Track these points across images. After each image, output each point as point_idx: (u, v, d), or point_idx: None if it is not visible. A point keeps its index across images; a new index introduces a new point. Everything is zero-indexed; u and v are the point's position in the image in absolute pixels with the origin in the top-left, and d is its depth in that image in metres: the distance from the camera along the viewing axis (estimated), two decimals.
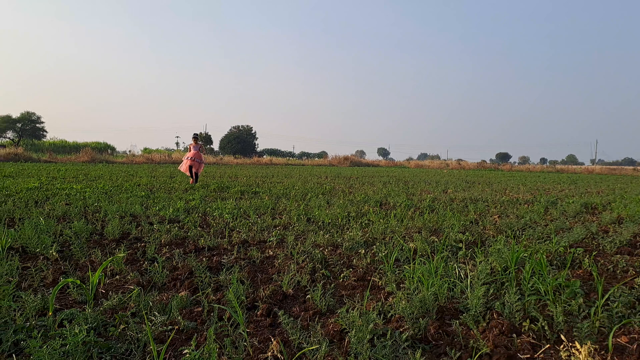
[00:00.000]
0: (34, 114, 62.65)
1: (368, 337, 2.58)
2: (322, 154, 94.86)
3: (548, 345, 2.77)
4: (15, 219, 7.01)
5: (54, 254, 4.80)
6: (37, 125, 63.38)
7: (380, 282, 4.07)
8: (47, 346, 2.37)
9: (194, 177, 15.39)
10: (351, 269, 4.53)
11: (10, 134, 60.92)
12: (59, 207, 8.13)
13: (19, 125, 61.14)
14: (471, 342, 2.79)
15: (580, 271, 4.51)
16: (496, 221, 7.80)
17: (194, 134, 15.74)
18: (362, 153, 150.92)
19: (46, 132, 64.85)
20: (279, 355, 2.66)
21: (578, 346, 2.58)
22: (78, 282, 3.43)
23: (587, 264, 4.67)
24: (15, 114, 60.99)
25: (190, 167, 15.26)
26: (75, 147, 57.37)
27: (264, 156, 76.32)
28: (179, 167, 16.06)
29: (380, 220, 7.29)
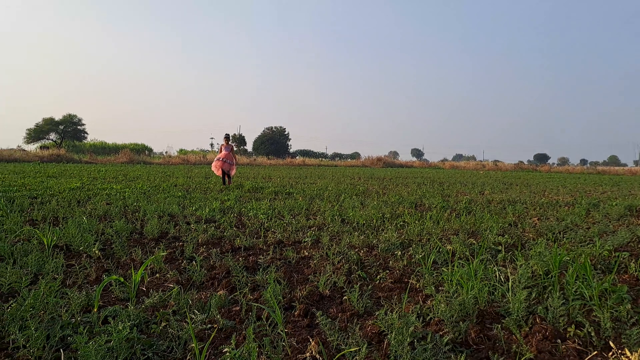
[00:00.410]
0: (75, 116, 64.59)
1: (408, 340, 2.55)
2: (355, 155, 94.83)
3: (595, 352, 2.68)
4: (59, 217, 7.24)
5: (96, 252, 4.94)
6: (78, 127, 65.31)
7: (417, 285, 4.03)
8: (92, 342, 2.43)
9: (226, 178, 15.04)
10: (387, 271, 4.50)
11: (53, 136, 62.98)
12: (100, 206, 8.37)
13: (61, 127, 63.12)
14: (514, 347, 2.73)
15: (626, 276, 4.36)
16: (536, 223, 7.62)
17: (226, 134, 15.22)
18: (395, 154, 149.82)
19: (87, 134, 66.84)
20: (317, 356, 2.65)
21: (628, 353, 2.49)
22: (122, 279, 3.52)
23: (634, 268, 4.50)
24: (57, 117, 63.09)
25: (223, 171, 14.87)
26: (115, 149, 59.04)
27: (297, 157, 76.76)
28: (212, 167, 15.46)
29: (416, 222, 7.22)
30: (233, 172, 15.33)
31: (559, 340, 2.79)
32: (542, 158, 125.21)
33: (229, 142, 15.24)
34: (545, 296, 3.58)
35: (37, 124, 61.53)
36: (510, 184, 20.99)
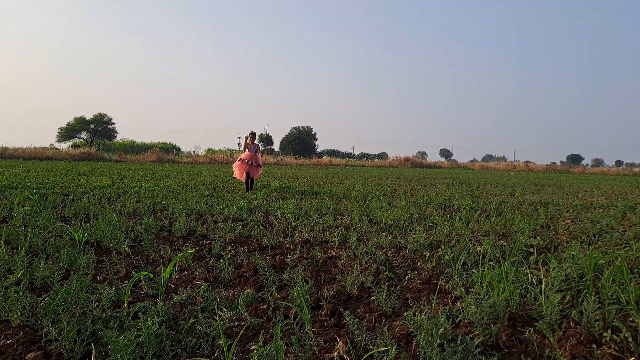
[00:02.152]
0: (105, 115, 66.07)
1: (438, 341, 2.53)
2: (382, 155, 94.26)
3: (633, 358, 2.60)
4: (90, 215, 7.41)
5: (126, 249, 5.04)
6: (108, 126, 66.80)
7: (447, 286, 3.98)
8: (122, 337, 2.47)
9: (249, 185, 12.59)
10: (416, 272, 4.46)
11: (84, 135, 64.46)
12: (129, 204, 8.53)
13: (92, 126, 64.61)
14: (547, 351, 2.67)
15: None
16: (569, 226, 7.45)
17: (252, 132, 12.98)
18: (423, 154, 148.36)
19: (117, 132, 68.30)
20: (345, 356, 2.65)
21: None
22: (151, 276, 3.58)
23: None
24: (88, 116, 64.55)
25: (248, 175, 12.56)
26: (144, 147, 59.94)
27: (324, 157, 76.70)
28: (234, 175, 13.26)
29: (445, 223, 7.14)
30: (257, 175, 13.20)
31: (594, 346, 2.72)
32: (575, 159, 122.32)
33: (255, 142, 13.06)
34: (580, 300, 3.49)
35: (69, 123, 63.11)
36: (542, 185, 20.59)
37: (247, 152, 12.72)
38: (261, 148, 12.91)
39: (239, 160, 12.72)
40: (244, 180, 12.88)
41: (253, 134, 13.00)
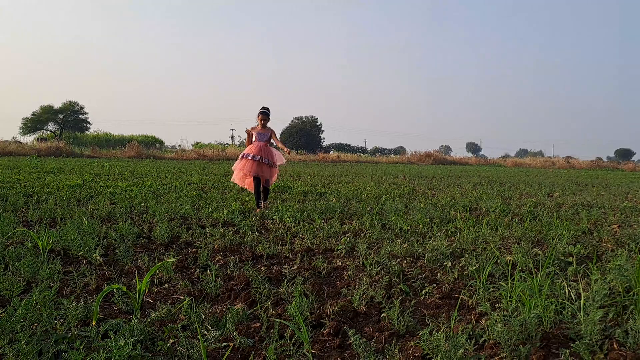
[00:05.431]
0: (76, 103, 66.34)
1: None
2: (400, 150, 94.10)
3: None
4: (56, 219, 7.45)
5: (97, 258, 5.06)
6: (80, 116, 67.08)
7: (470, 301, 3.98)
8: (90, 359, 2.48)
9: (261, 195, 9.55)
10: (435, 285, 4.46)
11: (51, 126, 64.74)
12: (103, 206, 8.57)
13: (61, 116, 64.86)
14: None
15: None
16: (616, 231, 7.43)
17: (263, 109, 9.51)
18: (447, 149, 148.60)
19: (89, 124, 68.62)
20: None
21: None
22: (124, 289, 3.59)
23: None
24: (57, 104, 64.74)
25: (257, 180, 9.44)
26: (121, 141, 60.04)
27: (331, 152, 76.65)
28: (232, 178, 10.37)
29: (470, 228, 7.13)
30: (274, 179, 10.11)
31: None
32: (625, 154, 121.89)
33: (268, 124, 9.63)
34: (626, 317, 3.49)
35: (35, 112, 63.39)
36: (585, 184, 20.53)
37: (255, 142, 9.55)
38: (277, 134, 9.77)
39: (241, 157, 9.56)
40: (248, 187, 10.19)
41: (264, 113, 9.54)
